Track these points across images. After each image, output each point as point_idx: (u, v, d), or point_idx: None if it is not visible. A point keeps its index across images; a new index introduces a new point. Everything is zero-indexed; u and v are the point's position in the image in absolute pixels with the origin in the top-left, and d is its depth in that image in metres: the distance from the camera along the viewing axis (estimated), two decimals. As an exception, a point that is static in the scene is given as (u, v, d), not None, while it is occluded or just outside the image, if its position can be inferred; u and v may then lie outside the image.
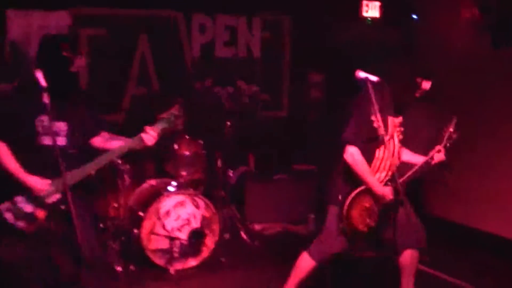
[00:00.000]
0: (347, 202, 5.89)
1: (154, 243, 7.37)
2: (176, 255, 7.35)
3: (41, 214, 5.14)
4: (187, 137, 8.20)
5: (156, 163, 8.45)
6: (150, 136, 5.36)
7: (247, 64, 10.42)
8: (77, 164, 5.19)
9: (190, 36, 10.00)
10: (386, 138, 5.82)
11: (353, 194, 5.90)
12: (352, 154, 5.88)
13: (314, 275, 6.36)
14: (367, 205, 5.95)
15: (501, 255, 8.40)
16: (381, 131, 5.73)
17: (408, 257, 6.18)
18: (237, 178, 9.27)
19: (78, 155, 5.32)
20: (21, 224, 5.10)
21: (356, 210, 5.93)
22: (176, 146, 8.00)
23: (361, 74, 5.63)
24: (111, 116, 9.26)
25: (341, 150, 5.95)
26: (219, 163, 8.46)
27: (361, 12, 9.77)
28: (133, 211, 7.67)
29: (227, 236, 8.30)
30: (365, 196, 5.93)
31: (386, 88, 5.88)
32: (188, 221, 7.49)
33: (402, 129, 6.11)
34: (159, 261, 7.38)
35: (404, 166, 6.19)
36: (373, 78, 5.61)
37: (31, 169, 5.11)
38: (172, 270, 7.29)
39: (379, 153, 5.99)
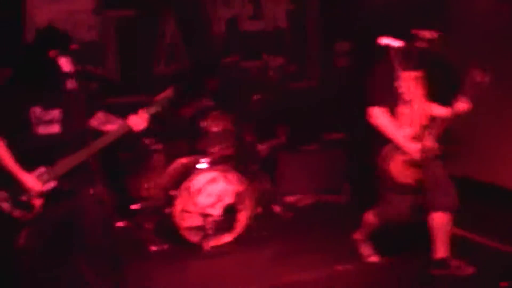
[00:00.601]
0: (383, 157, 6.10)
1: (187, 221, 7.40)
2: (209, 232, 7.38)
3: (37, 202, 5.18)
4: (216, 113, 8.21)
5: (187, 141, 8.45)
6: (137, 120, 5.38)
7: (273, 36, 10.35)
8: (72, 151, 5.22)
9: (215, 11, 9.96)
10: (408, 98, 5.96)
11: (386, 150, 6.07)
12: (375, 115, 6.02)
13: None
14: (404, 158, 6.07)
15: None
16: (405, 94, 5.75)
17: (435, 219, 6.22)
18: (268, 151, 9.25)
19: (73, 142, 5.28)
20: (17, 213, 5.14)
21: (393, 164, 6.07)
22: (205, 123, 8.01)
23: (384, 41, 5.61)
24: (141, 97, 9.28)
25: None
26: (248, 137, 8.47)
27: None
28: (164, 190, 7.71)
29: (260, 210, 8.30)
30: (399, 150, 6.07)
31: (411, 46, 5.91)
32: (220, 197, 7.51)
33: (423, 83, 6.15)
34: (193, 238, 7.40)
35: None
36: (396, 43, 5.57)
37: (27, 159, 5.13)
38: (206, 246, 7.32)
39: (402, 109, 6.08)
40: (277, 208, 8.51)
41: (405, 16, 8.97)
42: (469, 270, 6.34)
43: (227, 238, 7.55)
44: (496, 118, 8.77)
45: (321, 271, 6.71)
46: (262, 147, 8.86)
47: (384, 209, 6.48)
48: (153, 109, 5.49)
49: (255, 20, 10.25)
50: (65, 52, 5.18)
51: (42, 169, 5.14)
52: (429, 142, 6.00)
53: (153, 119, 5.50)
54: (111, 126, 5.44)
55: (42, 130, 5.16)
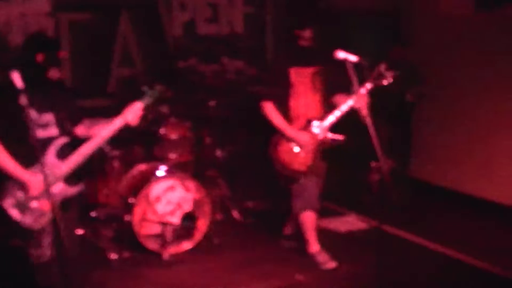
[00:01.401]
0: (272, 147, 6.77)
1: (147, 229, 7.34)
2: (169, 239, 7.33)
3: (46, 206, 5.07)
4: (174, 119, 8.17)
5: (144, 147, 8.39)
6: (134, 113, 5.39)
7: (230, 40, 10.31)
8: (71, 152, 5.24)
9: (170, 15, 9.89)
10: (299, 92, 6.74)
11: (275, 139, 6.74)
12: (266, 108, 6.75)
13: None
14: (293, 146, 6.73)
15: (491, 219, 8.48)
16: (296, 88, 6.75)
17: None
18: (226, 156, 9.22)
19: (71, 143, 5.33)
20: (28, 220, 5.07)
21: (283, 152, 6.73)
22: (163, 130, 7.97)
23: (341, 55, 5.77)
24: (97, 101, 9.21)
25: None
26: (207, 142, 8.43)
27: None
28: (123, 197, 7.63)
29: (219, 216, 8.28)
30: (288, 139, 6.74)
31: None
32: (179, 205, 7.46)
33: (316, 79, 6.82)
34: (153, 246, 7.34)
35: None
36: (353, 58, 5.72)
37: (27, 163, 5.07)
38: (165, 254, 7.27)
39: (293, 102, 6.79)
40: (236, 214, 8.43)
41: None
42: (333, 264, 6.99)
43: (186, 245, 7.50)
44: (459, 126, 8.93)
45: (281, 281, 6.73)
46: (219, 153, 8.81)
47: (301, 198, 6.93)
48: (146, 100, 5.48)
49: (212, 24, 10.17)
50: (54, 60, 5.20)
51: (46, 172, 4.90)
52: (318, 131, 6.69)
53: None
54: (99, 127, 5.40)
55: (40, 133, 5.10)
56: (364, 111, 5.91)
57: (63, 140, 5.27)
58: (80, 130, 5.53)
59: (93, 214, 7.90)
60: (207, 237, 7.62)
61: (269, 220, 8.39)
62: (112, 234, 7.61)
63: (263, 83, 7.17)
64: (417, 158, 9.63)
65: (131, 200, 7.36)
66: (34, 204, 5.08)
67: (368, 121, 5.60)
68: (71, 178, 5.31)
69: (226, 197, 8.53)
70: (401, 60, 9.16)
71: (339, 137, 6.76)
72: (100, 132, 5.34)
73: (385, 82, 6.54)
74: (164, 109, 8.20)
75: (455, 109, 9.18)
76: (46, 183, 4.84)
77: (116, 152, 7.94)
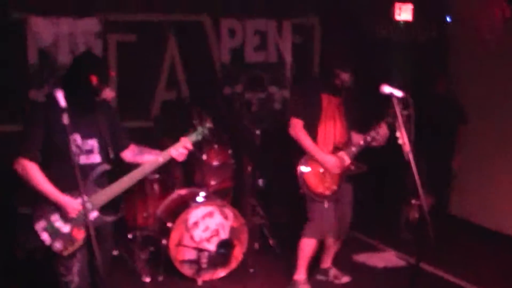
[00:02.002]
0: (299, 168, 6.67)
1: (182, 254, 7.32)
2: (204, 266, 7.29)
3: (79, 234, 5.06)
4: (216, 146, 8.17)
5: (185, 172, 8.39)
6: (180, 152, 5.36)
7: (278, 68, 10.30)
8: (113, 180, 5.21)
9: (219, 41, 9.92)
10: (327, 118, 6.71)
11: (303, 160, 6.62)
12: (293, 125, 6.69)
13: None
14: (320, 169, 6.68)
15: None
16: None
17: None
18: (266, 185, 9.17)
19: (112, 171, 5.28)
20: (58, 245, 5.01)
21: (310, 175, 6.67)
22: (205, 156, 7.96)
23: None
24: (140, 123, 9.24)
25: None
26: (248, 170, 8.39)
27: (393, 15, 9.67)
28: (161, 221, 7.63)
29: (256, 245, 8.24)
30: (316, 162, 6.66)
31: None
32: (216, 232, 7.43)
33: (342, 108, 6.82)
34: (187, 271, 7.33)
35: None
36: (398, 93, 5.64)
37: (66, 187, 5.02)
38: (200, 281, 7.24)
39: (321, 127, 6.74)
40: (273, 244, 8.36)
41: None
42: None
43: (221, 273, 7.47)
44: (497, 164, 8.79)
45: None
46: (261, 181, 8.77)
47: (315, 224, 6.82)
48: (194, 138, 5.50)
49: (260, 51, 10.18)
50: (106, 80, 5.13)
51: (84, 198, 4.84)
52: (345, 157, 6.66)
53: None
54: (147, 157, 5.40)
55: (83, 159, 5.08)
56: (406, 146, 5.79)
57: (104, 167, 5.22)
58: (126, 156, 5.51)
59: (130, 235, 7.91)
60: (242, 265, 7.58)
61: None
62: (147, 257, 7.60)
63: (294, 101, 7.03)
64: (458, 195, 9.51)
65: (169, 224, 7.34)
66: (66, 229, 5.04)
67: (410, 156, 5.50)
68: (108, 207, 5.26)
69: (264, 226, 8.45)
70: (444, 92, 9.09)
71: (363, 166, 6.73)
72: (144, 166, 5.31)
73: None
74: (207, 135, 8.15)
75: (498, 145, 9.05)
76: (83, 210, 4.84)
77: (156, 176, 7.95)
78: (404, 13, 9.66)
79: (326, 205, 6.72)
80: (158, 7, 9.41)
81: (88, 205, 4.99)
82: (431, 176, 8.25)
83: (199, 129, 5.52)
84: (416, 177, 5.32)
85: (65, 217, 5.03)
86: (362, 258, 8.07)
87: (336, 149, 6.71)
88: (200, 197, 7.57)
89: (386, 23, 10.01)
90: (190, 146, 5.42)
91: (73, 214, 5.00)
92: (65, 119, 4.69)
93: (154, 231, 7.74)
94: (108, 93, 5.20)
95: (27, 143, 5.06)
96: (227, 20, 9.92)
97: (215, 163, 8.12)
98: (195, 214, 7.35)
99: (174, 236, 7.26)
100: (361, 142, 6.64)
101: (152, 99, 9.62)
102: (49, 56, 8.88)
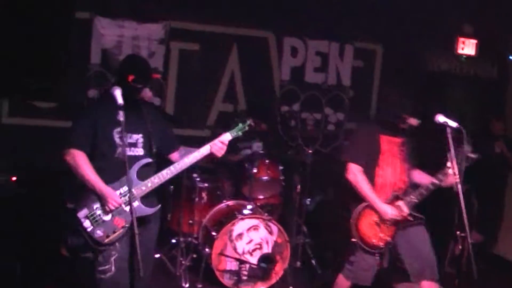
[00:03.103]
0: (354, 216, 6.22)
1: (224, 264, 7.34)
2: (244, 278, 7.31)
3: (120, 223, 5.19)
4: (267, 161, 8.19)
5: (234, 184, 8.43)
6: (218, 147, 5.43)
7: (336, 91, 10.32)
8: (154, 173, 5.33)
9: (280, 58, 9.97)
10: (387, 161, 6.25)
11: (359, 209, 6.21)
12: (352, 171, 6.22)
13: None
14: (376, 219, 6.21)
15: None
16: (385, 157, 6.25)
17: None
18: (314, 206, 9.18)
19: (155, 164, 5.42)
20: (99, 232, 5.14)
21: (365, 224, 6.22)
22: (255, 170, 7.98)
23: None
24: (195, 131, 9.31)
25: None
26: (297, 189, 8.39)
27: (456, 49, 9.64)
28: (206, 229, 7.68)
29: (298, 264, 8.22)
30: (372, 211, 6.21)
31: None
32: (260, 246, 7.43)
33: (404, 148, 6.33)
34: (227, 282, 7.35)
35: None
36: (453, 124, 5.57)
37: (109, 179, 5.19)
38: (239, 292, 7.26)
39: (379, 171, 6.28)
40: (315, 264, 8.32)
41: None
42: None
43: (260, 286, 7.47)
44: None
45: None
46: (308, 202, 8.75)
47: (354, 268, 6.44)
48: (234, 133, 5.54)
49: (320, 73, 10.21)
50: (144, 80, 5.29)
51: (124, 188, 5.12)
52: (404, 208, 6.18)
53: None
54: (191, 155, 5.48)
55: (127, 151, 5.13)
56: (456, 178, 5.72)
57: (146, 160, 5.36)
58: (174, 157, 5.64)
59: (173, 240, 7.96)
60: (282, 281, 7.55)
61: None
62: (188, 263, 7.62)
63: (353, 145, 6.59)
64: (506, 236, 9.39)
65: (213, 233, 7.38)
66: (107, 217, 5.17)
67: (459, 191, 5.45)
68: (150, 199, 5.38)
69: (307, 245, 8.43)
70: (500, 132, 9.02)
71: (420, 217, 6.33)
72: (184, 160, 5.42)
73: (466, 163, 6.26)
74: (259, 149, 8.20)
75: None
76: (125, 200, 5.06)
77: (206, 184, 8.00)
78: (467, 48, 9.62)
79: (376, 256, 6.33)
80: (223, 19, 9.49)
81: (129, 196, 5.05)
82: (482, 214, 8.18)
83: (240, 125, 5.56)
84: (463, 209, 5.27)
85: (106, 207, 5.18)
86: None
87: (395, 197, 6.29)
88: (247, 210, 7.60)
89: (448, 56, 10.00)
90: (226, 141, 5.46)
91: (112, 206, 5.14)
92: (121, 116, 4.85)
93: (197, 239, 7.79)
94: (147, 93, 5.33)
95: (76, 134, 5.26)
96: (290, 39, 9.99)
97: (264, 177, 8.15)
98: (240, 226, 7.37)
99: (218, 246, 7.29)
100: (424, 191, 6.21)
101: (209, 109, 9.69)
102: (111, 58, 8.99)
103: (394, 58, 10.18)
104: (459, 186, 5.47)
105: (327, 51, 10.18)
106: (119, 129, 5.09)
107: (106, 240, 5.15)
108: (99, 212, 5.16)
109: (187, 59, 9.53)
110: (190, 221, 7.88)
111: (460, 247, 8.33)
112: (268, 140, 8.67)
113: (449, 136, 5.52)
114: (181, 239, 7.74)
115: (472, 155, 5.93)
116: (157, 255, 7.86)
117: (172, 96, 9.52)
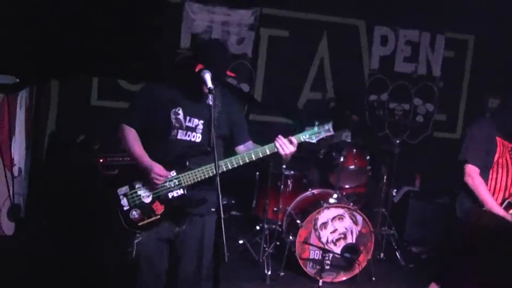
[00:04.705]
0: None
1: (307, 252, 7.35)
2: (327, 267, 7.28)
3: (159, 208, 5.00)
4: (354, 150, 8.15)
5: (320, 173, 8.41)
6: (287, 144, 4.93)
7: (425, 81, 10.19)
8: (208, 163, 4.92)
9: (370, 47, 9.90)
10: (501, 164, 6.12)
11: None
12: (470, 173, 6.09)
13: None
14: None
15: None
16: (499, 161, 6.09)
17: None
18: (400, 198, 9.08)
19: (211, 154, 4.71)
20: (135, 214, 4.97)
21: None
22: (342, 159, 7.94)
23: None
24: (282, 119, 9.32)
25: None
26: (384, 180, 8.32)
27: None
28: (291, 217, 7.69)
29: (381, 255, 8.17)
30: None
31: None
32: (344, 235, 7.41)
33: None
34: (309, 270, 7.35)
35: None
36: None
37: (159, 161, 4.95)
38: (321, 281, 7.19)
39: (493, 174, 6.13)
40: (399, 257, 8.24)
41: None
42: None
43: (343, 277, 7.44)
44: None
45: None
46: (394, 193, 8.66)
47: (469, 272, 6.15)
48: (307, 138, 5.02)
49: (410, 63, 10.11)
50: (216, 75, 4.89)
51: (173, 173, 4.95)
52: None
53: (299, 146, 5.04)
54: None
55: (181, 135, 5.01)
56: None
57: (202, 148, 5.03)
58: (241, 150, 5.23)
59: (257, 227, 8.00)
60: (365, 272, 7.52)
61: (431, 268, 8.13)
62: (272, 250, 7.63)
63: (472, 145, 6.21)
64: None
65: (298, 221, 7.39)
66: (147, 200, 4.99)
67: None
68: (199, 193, 5.06)
69: (392, 237, 8.35)
70: None
71: None
72: (244, 155, 4.98)
73: None
74: (347, 138, 8.10)
75: None
76: (170, 186, 4.94)
77: (292, 172, 7.99)
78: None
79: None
80: (314, 7, 9.47)
81: (175, 182, 4.97)
82: None
83: (315, 128, 5.01)
84: None
85: (149, 186, 4.98)
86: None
87: (508, 204, 6.10)
88: (333, 199, 7.57)
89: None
90: (295, 141, 4.93)
91: (157, 180, 4.92)
92: (210, 100, 4.69)
93: (281, 226, 7.81)
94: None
95: (129, 112, 5.13)
96: (381, 27, 9.90)
97: (351, 166, 8.11)
98: (325, 215, 7.36)
99: (302, 234, 7.29)
100: None
101: (297, 97, 9.69)
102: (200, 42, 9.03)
103: (487, 49, 10.00)
104: None
105: (418, 41, 10.07)
106: (177, 109, 4.96)
107: (140, 223, 4.98)
108: (140, 192, 4.99)
109: (277, 46, 9.54)
110: (275, 209, 7.89)
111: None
112: (356, 129, 8.60)
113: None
114: (265, 226, 7.75)
115: None
116: (240, 241, 7.93)
117: (260, 83, 9.56)
